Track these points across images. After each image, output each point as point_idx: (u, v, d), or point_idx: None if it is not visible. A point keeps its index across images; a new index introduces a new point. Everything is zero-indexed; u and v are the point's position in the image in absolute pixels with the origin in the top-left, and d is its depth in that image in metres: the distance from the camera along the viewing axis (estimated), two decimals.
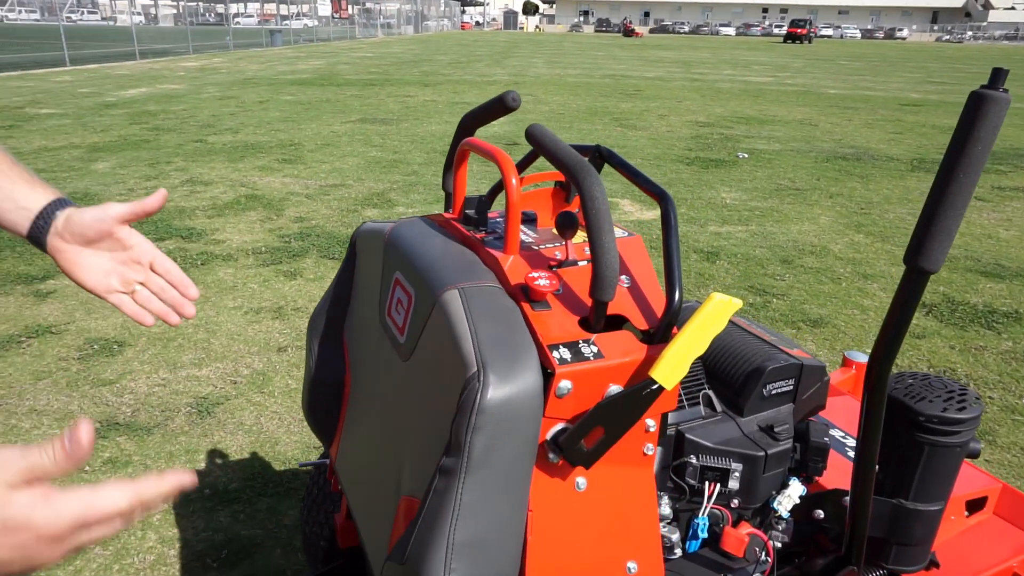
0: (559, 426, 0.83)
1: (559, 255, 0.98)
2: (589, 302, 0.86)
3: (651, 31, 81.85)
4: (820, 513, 1.22)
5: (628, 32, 61.43)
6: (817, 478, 1.28)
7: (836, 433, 1.53)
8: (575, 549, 0.86)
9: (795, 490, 1.21)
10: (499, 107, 1.00)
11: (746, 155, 8.05)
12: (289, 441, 2.60)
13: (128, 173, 6.56)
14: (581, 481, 0.85)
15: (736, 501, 1.13)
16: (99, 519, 0.52)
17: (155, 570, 2.01)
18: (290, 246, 4.69)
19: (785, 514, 1.21)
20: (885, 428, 1.22)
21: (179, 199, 5.78)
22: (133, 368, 3.09)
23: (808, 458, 1.21)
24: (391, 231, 1.07)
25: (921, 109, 12.88)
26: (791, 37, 49.74)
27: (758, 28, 77.96)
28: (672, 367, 0.81)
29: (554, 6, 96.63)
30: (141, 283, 0.92)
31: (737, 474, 1.13)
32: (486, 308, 0.83)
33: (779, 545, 1.20)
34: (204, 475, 2.41)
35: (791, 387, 1.27)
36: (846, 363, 1.90)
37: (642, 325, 0.89)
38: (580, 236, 1.04)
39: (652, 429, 0.89)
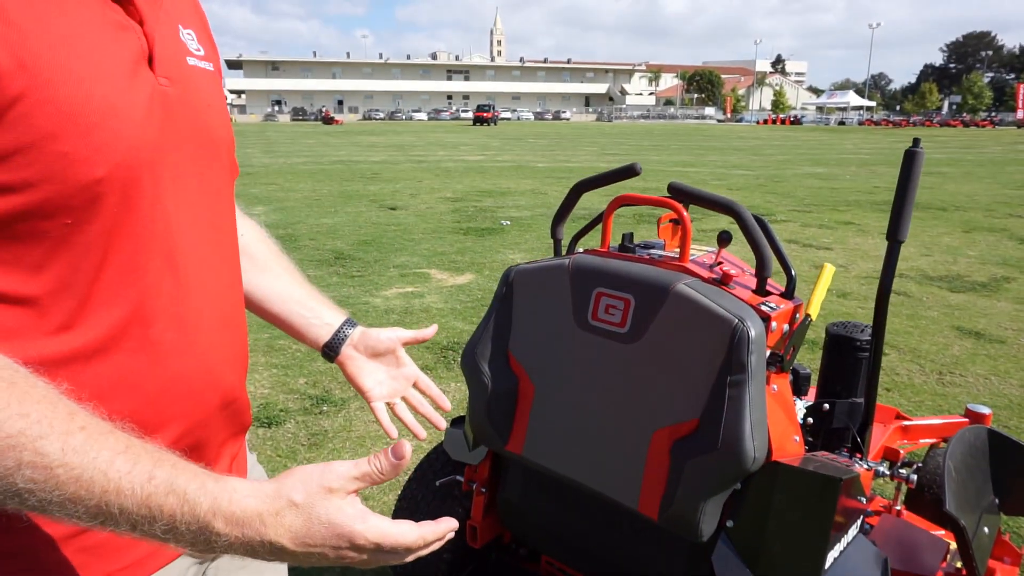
0: (768, 351, 1.28)
1: (706, 261, 1.47)
2: (751, 282, 1.40)
3: (362, 119, 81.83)
4: (810, 420, 1.75)
5: (328, 120, 61.79)
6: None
7: None
8: (776, 427, 1.31)
9: (799, 405, 1.75)
10: (625, 173, 1.46)
11: (508, 222, 8.58)
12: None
13: None
14: (775, 387, 1.35)
15: None
16: (393, 547, 0.61)
17: None
18: None
19: (799, 419, 1.67)
20: (838, 357, 1.80)
21: None
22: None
23: (800, 384, 1.74)
24: (573, 265, 1.40)
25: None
26: (479, 120, 56.10)
27: (447, 113, 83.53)
28: (815, 308, 1.52)
29: (243, 96, 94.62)
30: (403, 398, 1.08)
31: None
32: (709, 290, 1.26)
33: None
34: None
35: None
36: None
37: (777, 289, 1.42)
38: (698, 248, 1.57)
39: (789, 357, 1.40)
